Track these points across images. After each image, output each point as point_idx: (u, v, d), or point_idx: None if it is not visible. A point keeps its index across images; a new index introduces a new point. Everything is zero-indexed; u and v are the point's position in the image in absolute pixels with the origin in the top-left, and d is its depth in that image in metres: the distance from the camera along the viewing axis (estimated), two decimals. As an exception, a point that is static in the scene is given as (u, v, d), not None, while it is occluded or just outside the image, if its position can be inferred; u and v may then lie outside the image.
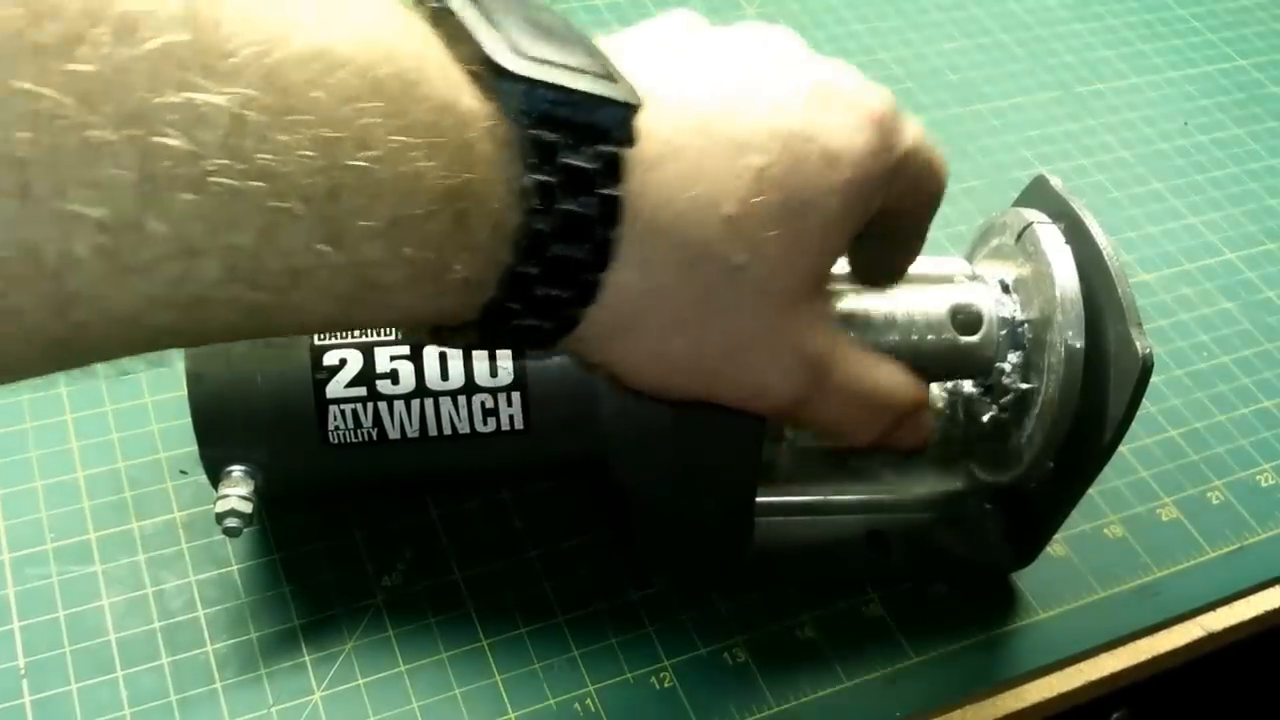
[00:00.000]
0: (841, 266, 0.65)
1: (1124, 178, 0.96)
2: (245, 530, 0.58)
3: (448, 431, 0.59)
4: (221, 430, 0.59)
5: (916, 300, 0.61)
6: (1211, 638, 0.67)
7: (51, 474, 0.68)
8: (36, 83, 0.28)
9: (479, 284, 0.40)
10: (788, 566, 0.67)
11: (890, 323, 0.61)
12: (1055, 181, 0.63)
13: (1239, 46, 1.11)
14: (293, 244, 0.34)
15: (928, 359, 0.61)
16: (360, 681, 0.61)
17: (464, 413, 0.59)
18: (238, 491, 0.58)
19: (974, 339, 0.61)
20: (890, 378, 0.54)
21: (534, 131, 0.39)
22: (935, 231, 0.86)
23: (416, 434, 0.59)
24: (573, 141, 0.40)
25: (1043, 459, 0.60)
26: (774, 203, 0.45)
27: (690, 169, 0.44)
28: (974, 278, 0.64)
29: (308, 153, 0.33)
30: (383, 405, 0.59)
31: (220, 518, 0.58)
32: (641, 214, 0.43)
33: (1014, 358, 0.61)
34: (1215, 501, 0.74)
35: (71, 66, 0.29)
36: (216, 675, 0.61)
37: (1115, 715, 0.69)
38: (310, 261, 0.35)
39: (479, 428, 0.59)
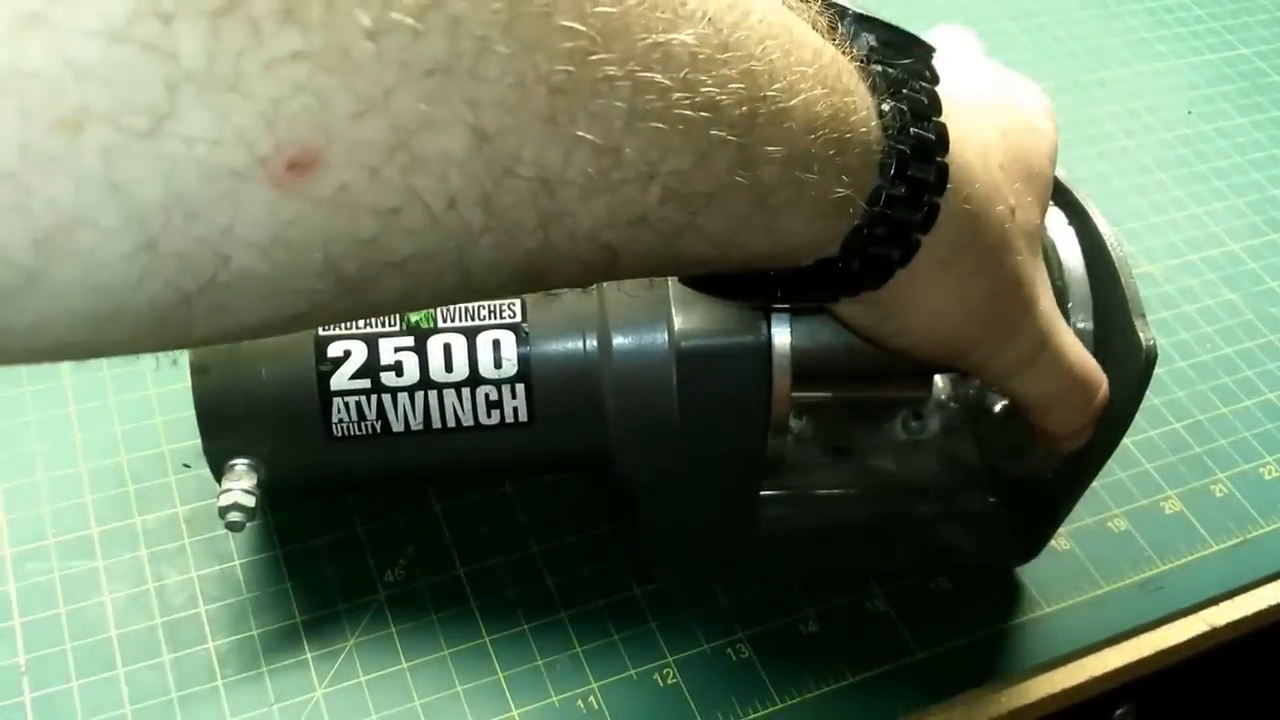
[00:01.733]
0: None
1: (1127, 167, 0.96)
2: (248, 525, 0.58)
3: (452, 424, 0.59)
4: (225, 423, 0.59)
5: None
6: (1215, 632, 0.67)
7: (54, 468, 0.68)
8: (578, 21, 0.31)
9: (850, 207, 0.43)
10: (791, 560, 0.67)
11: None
12: (1059, 170, 0.62)
13: (1242, 35, 1.11)
14: (717, 169, 0.37)
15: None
16: (362, 678, 0.61)
17: (468, 405, 0.59)
18: (241, 485, 0.58)
19: (979, 332, 0.61)
20: (1095, 362, 0.56)
21: (881, 66, 0.44)
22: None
23: (420, 426, 0.59)
24: (907, 74, 0.45)
25: (1047, 450, 0.60)
26: (1019, 159, 0.52)
27: (969, 119, 0.48)
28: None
29: (737, 85, 0.36)
30: (387, 397, 0.58)
31: (223, 512, 0.58)
32: (957, 150, 0.46)
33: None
34: (1219, 495, 0.73)
35: (599, 9, 0.32)
36: (218, 672, 0.61)
37: (1119, 710, 0.69)
38: (725, 185, 0.38)
39: (483, 420, 0.59)
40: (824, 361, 0.60)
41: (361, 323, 0.58)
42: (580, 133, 0.33)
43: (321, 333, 0.58)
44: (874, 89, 0.44)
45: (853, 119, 0.42)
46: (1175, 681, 0.68)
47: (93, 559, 0.64)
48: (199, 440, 0.59)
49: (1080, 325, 0.58)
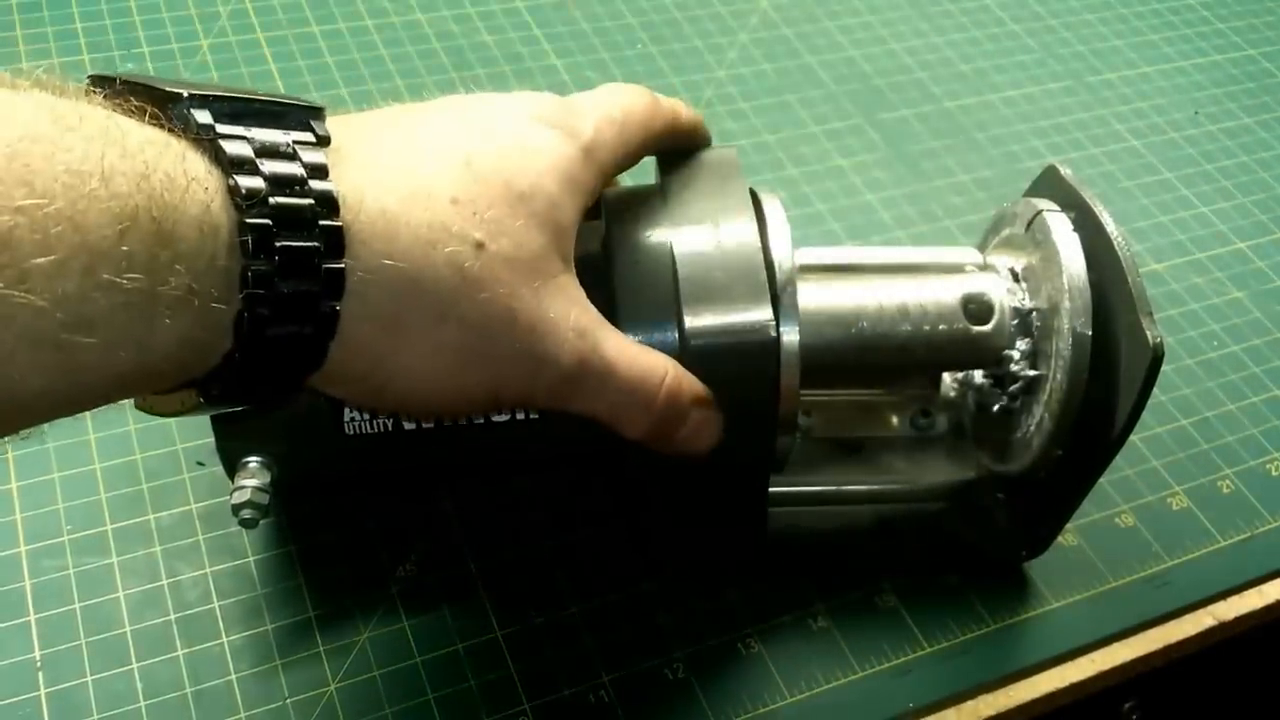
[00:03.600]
0: (845, 257, 0.65)
1: (1134, 167, 0.96)
2: (261, 522, 0.59)
3: (462, 420, 0.59)
4: (238, 421, 0.59)
5: (928, 290, 0.62)
6: (1223, 627, 0.68)
7: (69, 466, 0.68)
8: None
9: (207, 296, 0.40)
10: (801, 556, 0.67)
11: (902, 313, 0.61)
12: (1066, 171, 0.63)
13: (1249, 36, 1.11)
14: None
15: (940, 349, 0.61)
16: (375, 672, 0.61)
17: (478, 403, 0.59)
18: (254, 483, 0.58)
19: (986, 328, 0.61)
20: (656, 359, 0.55)
21: (224, 144, 0.41)
22: (946, 221, 0.86)
23: (431, 424, 0.59)
24: (270, 144, 0.42)
25: (1052, 447, 0.60)
26: (496, 185, 0.49)
27: (398, 164, 0.47)
28: (985, 267, 0.64)
29: None
30: (398, 396, 0.59)
31: (236, 509, 0.58)
32: (364, 204, 0.44)
33: (1023, 345, 0.61)
34: (1226, 490, 0.74)
35: None
36: (232, 667, 0.61)
37: (1127, 705, 0.69)
38: (3, 309, 0.35)
39: (494, 417, 0.59)
40: (832, 359, 0.61)
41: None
42: None
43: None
44: (218, 164, 0.41)
45: (174, 204, 0.39)
46: (1183, 676, 0.69)
47: (107, 556, 0.65)
48: (212, 438, 0.59)
49: (1080, 330, 0.58)
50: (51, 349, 0.36)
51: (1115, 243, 0.59)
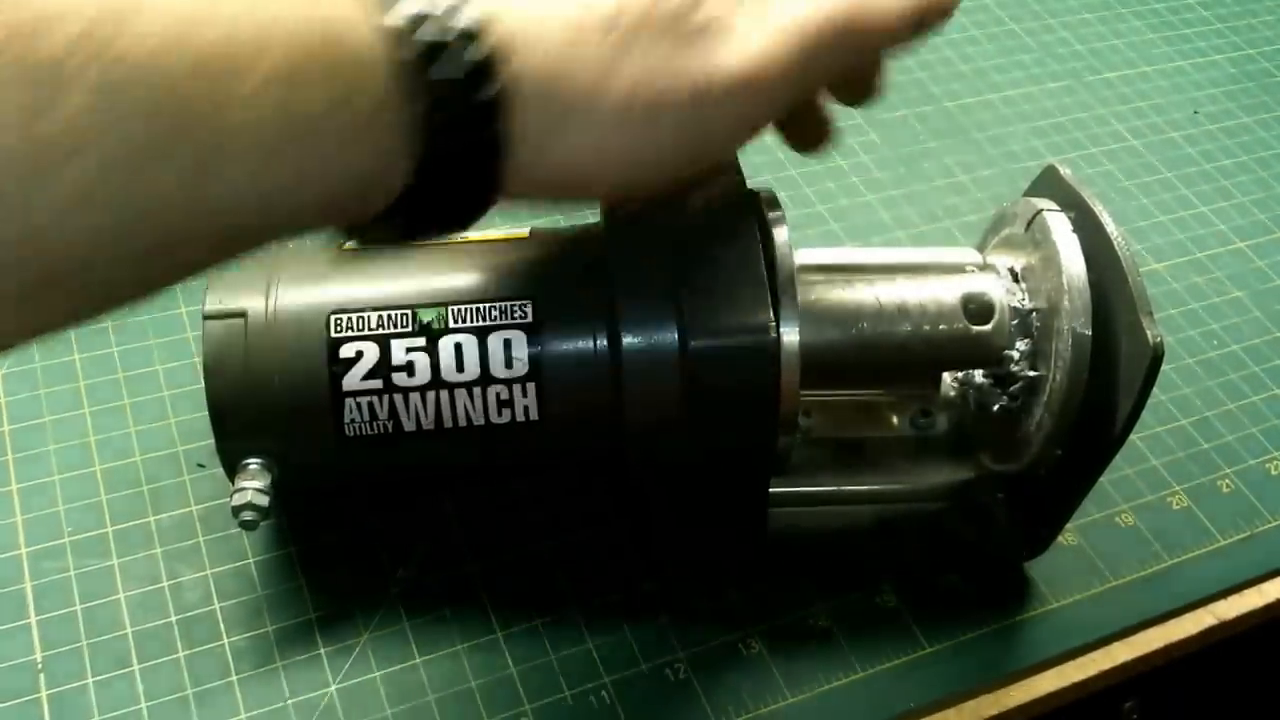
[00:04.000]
0: (844, 257, 0.65)
1: (1134, 167, 0.96)
2: (261, 524, 0.59)
3: (463, 423, 0.59)
4: (238, 423, 0.59)
5: (928, 290, 0.62)
6: (1223, 626, 0.68)
7: (69, 468, 0.68)
8: None
9: (394, 111, 0.40)
10: (802, 556, 0.67)
11: (902, 313, 0.61)
12: (1065, 171, 0.63)
13: (1248, 36, 1.11)
14: (158, 125, 0.34)
15: (940, 348, 0.61)
16: (376, 674, 0.61)
17: (479, 404, 0.59)
18: (254, 484, 0.59)
19: (986, 328, 0.61)
20: None
21: None
22: (946, 221, 0.87)
23: (432, 426, 0.59)
24: None
25: (1051, 446, 0.60)
26: None
27: None
28: (985, 267, 0.64)
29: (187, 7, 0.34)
30: (398, 397, 0.59)
31: (237, 511, 0.58)
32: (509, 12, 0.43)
33: (1023, 345, 0.61)
34: (1226, 490, 0.74)
35: None
36: (233, 668, 0.61)
37: (1127, 704, 0.69)
38: (220, 124, 0.35)
39: (494, 419, 0.60)
40: (833, 359, 0.61)
41: (373, 323, 0.59)
42: None
43: (333, 334, 0.59)
44: None
45: (348, 35, 0.39)
46: (1183, 676, 0.69)
47: (108, 558, 0.65)
48: (212, 440, 0.59)
49: (1080, 330, 0.58)
50: (259, 163, 0.37)
51: (1115, 242, 0.59)
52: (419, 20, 0.40)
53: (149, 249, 0.36)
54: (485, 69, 0.41)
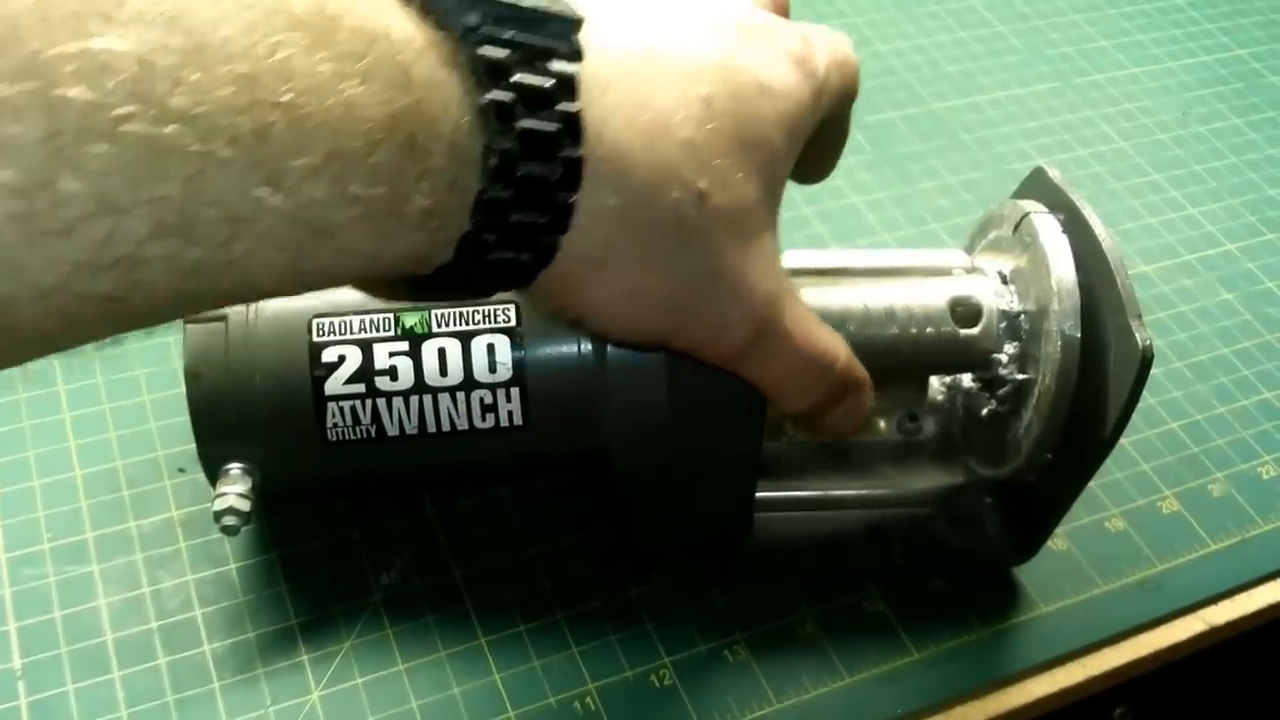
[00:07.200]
0: (831, 260, 0.65)
1: (1122, 169, 0.96)
2: (243, 529, 0.58)
3: (446, 428, 0.59)
4: (219, 428, 0.59)
5: (916, 294, 0.61)
6: (1214, 631, 0.67)
7: (48, 473, 0.68)
8: None
9: (445, 216, 0.40)
10: (788, 562, 0.67)
11: (889, 316, 0.61)
12: (1054, 173, 0.62)
13: (1237, 36, 1.11)
14: (224, 190, 0.33)
15: (928, 352, 0.61)
16: (358, 680, 0.61)
17: (463, 409, 0.59)
18: (236, 489, 0.58)
19: (974, 331, 0.61)
20: (832, 338, 0.54)
21: (482, 49, 0.39)
22: (933, 223, 0.86)
23: (415, 431, 0.59)
24: (523, 58, 0.40)
25: (1040, 450, 0.60)
26: (727, 130, 0.45)
27: (640, 93, 0.44)
28: (972, 270, 0.64)
29: (226, 91, 0.32)
30: (381, 402, 0.58)
31: (218, 516, 0.58)
32: (603, 135, 0.42)
33: (1011, 348, 0.61)
34: (1216, 494, 0.73)
35: None
36: (214, 675, 0.61)
37: (1117, 710, 0.69)
38: (249, 209, 0.34)
39: (478, 424, 0.59)
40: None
41: (356, 327, 0.58)
42: None
43: (315, 337, 0.58)
44: (474, 76, 0.39)
45: (429, 116, 0.38)
46: (1173, 681, 0.68)
47: (88, 564, 0.64)
48: (193, 445, 0.59)
49: (1069, 332, 0.58)
50: (289, 252, 0.36)
51: (1104, 245, 0.58)
52: (513, 113, 0.40)
53: (189, 305, 0.36)
54: (568, 175, 0.42)
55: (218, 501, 0.58)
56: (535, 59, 0.40)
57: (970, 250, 0.66)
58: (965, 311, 0.61)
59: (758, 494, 0.60)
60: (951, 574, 0.68)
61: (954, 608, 0.66)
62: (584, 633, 0.64)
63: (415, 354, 0.58)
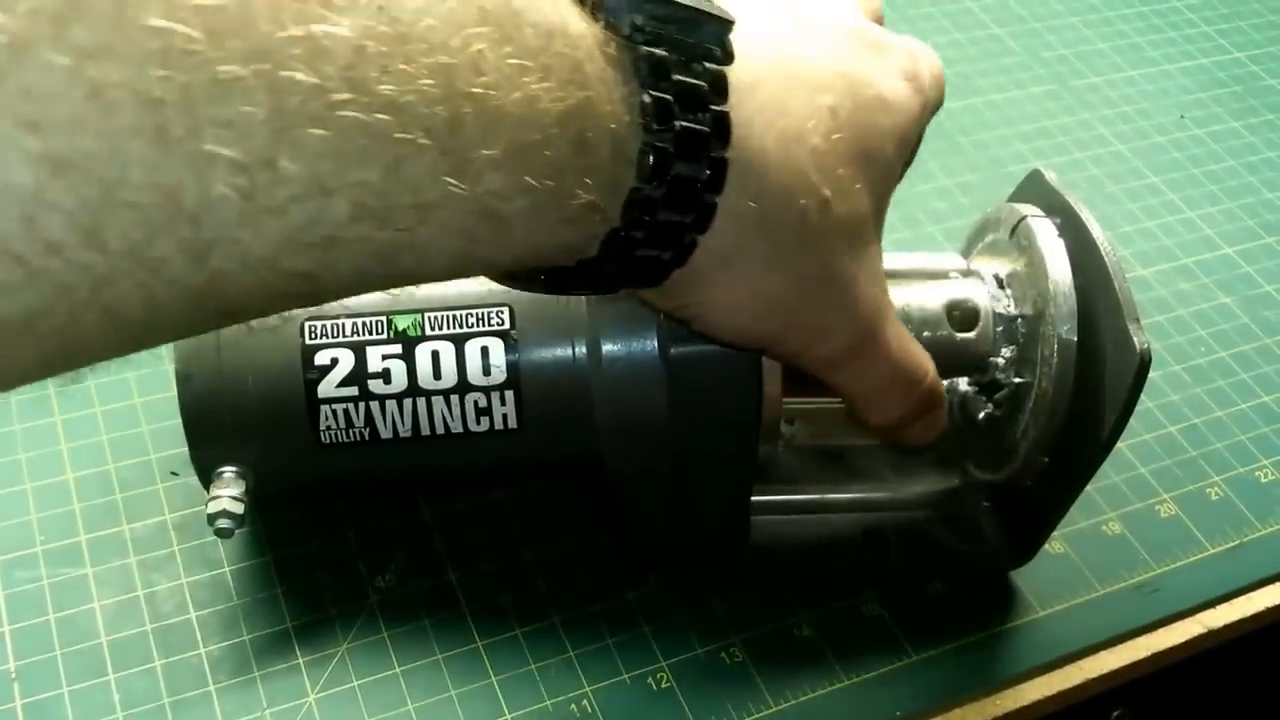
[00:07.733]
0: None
1: (1120, 171, 0.96)
2: (237, 531, 0.58)
3: (440, 431, 0.59)
4: (212, 431, 0.59)
5: (913, 296, 0.61)
6: (1211, 634, 0.67)
7: (41, 476, 0.68)
8: (167, 18, 0.28)
9: (602, 211, 0.40)
10: (786, 565, 0.67)
11: (887, 319, 0.60)
12: (1051, 176, 0.62)
13: (1234, 39, 1.11)
14: (418, 178, 0.34)
15: (925, 356, 0.61)
16: (355, 683, 0.61)
17: (457, 412, 0.59)
18: (229, 492, 0.58)
19: (971, 335, 0.61)
20: (922, 354, 0.54)
21: (647, 49, 0.40)
22: (930, 226, 0.86)
23: (409, 433, 0.59)
24: (681, 57, 0.41)
25: (1037, 454, 0.60)
26: (849, 141, 0.47)
27: (777, 99, 0.45)
28: (969, 273, 0.63)
29: (427, 82, 0.33)
30: (375, 405, 0.58)
31: (212, 519, 0.58)
32: (746, 139, 0.43)
33: (1007, 352, 0.61)
34: (1214, 498, 0.73)
35: (199, 1, 0.29)
36: (210, 678, 0.61)
37: (1115, 713, 0.69)
38: (435, 195, 0.35)
39: (472, 427, 0.59)
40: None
41: (349, 330, 0.58)
42: (209, 147, 0.29)
43: (308, 340, 0.58)
44: (636, 75, 0.40)
45: (599, 113, 0.39)
46: (1171, 684, 0.68)
47: (82, 566, 0.64)
48: (186, 448, 0.59)
49: (1066, 336, 0.58)
50: (463, 240, 0.37)
51: (1101, 248, 0.58)
52: (670, 113, 0.41)
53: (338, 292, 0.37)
54: (715, 176, 0.42)
55: (211, 504, 0.58)
56: (692, 59, 0.42)
57: (967, 253, 0.66)
58: (962, 315, 0.61)
59: (754, 497, 0.60)
60: (949, 577, 0.67)
61: (951, 611, 0.66)
62: (581, 635, 0.64)
63: (409, 357, 0.58)
